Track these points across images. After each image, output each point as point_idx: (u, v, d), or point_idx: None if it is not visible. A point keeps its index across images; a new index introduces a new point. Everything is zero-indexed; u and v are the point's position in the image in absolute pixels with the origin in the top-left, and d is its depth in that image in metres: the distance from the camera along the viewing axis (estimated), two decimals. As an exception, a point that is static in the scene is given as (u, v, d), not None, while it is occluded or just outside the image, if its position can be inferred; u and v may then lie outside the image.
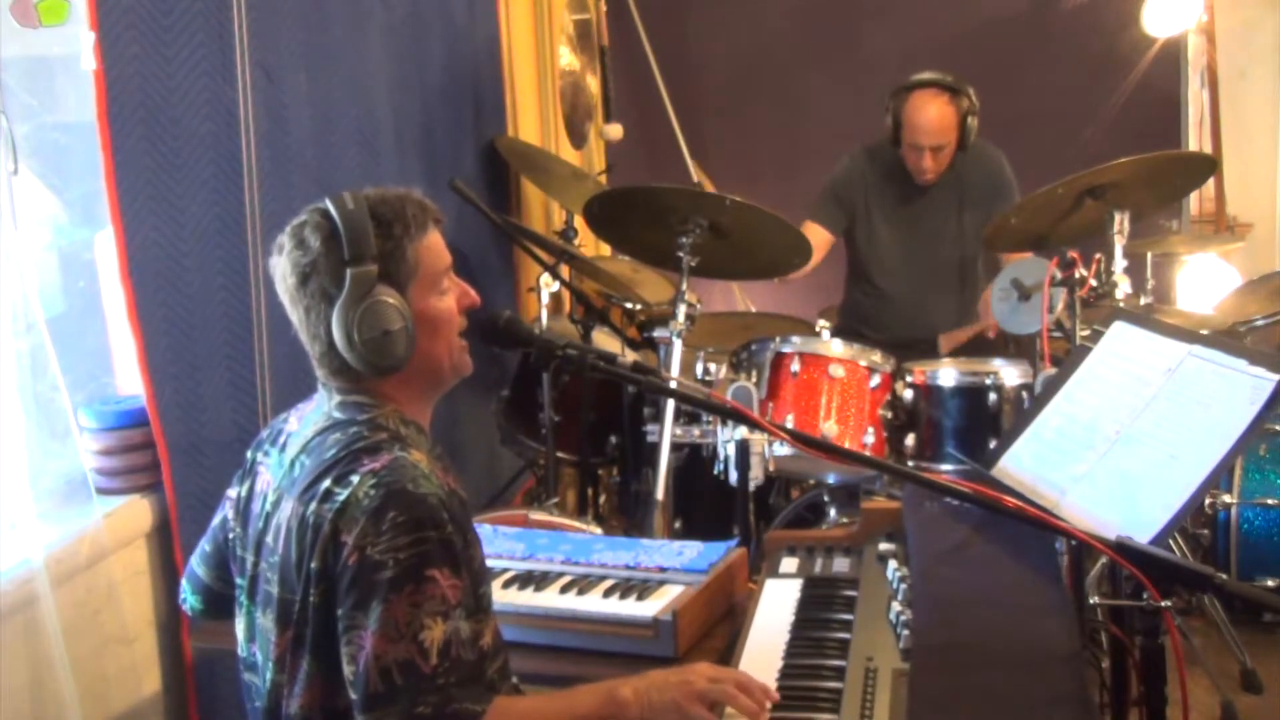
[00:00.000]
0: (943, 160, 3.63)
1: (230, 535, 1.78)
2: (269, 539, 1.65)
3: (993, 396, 3.03)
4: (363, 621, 1.49)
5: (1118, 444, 1.89)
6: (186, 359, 2.33)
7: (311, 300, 1.61)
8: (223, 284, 2.40)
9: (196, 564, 1.88)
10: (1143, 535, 1.70)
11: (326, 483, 1.56)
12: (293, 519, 1.59)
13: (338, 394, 1.67)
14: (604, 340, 3.56)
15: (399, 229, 1.63)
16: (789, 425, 3.00)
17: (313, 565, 1.54)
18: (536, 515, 2.67)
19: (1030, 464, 2.02)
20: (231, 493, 1.81)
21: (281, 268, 1.64)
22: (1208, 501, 3.20)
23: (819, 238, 3.72)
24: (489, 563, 2.13)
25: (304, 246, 1.61)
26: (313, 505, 1.56)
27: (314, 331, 1.63)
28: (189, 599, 1.90)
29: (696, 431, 3.09)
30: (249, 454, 1.79)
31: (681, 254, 3.02)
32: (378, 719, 1.47)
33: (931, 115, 3.56)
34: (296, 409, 1.78)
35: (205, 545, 1.87)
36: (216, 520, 1.85)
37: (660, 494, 2.88)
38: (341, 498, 1.54)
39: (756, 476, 2.98)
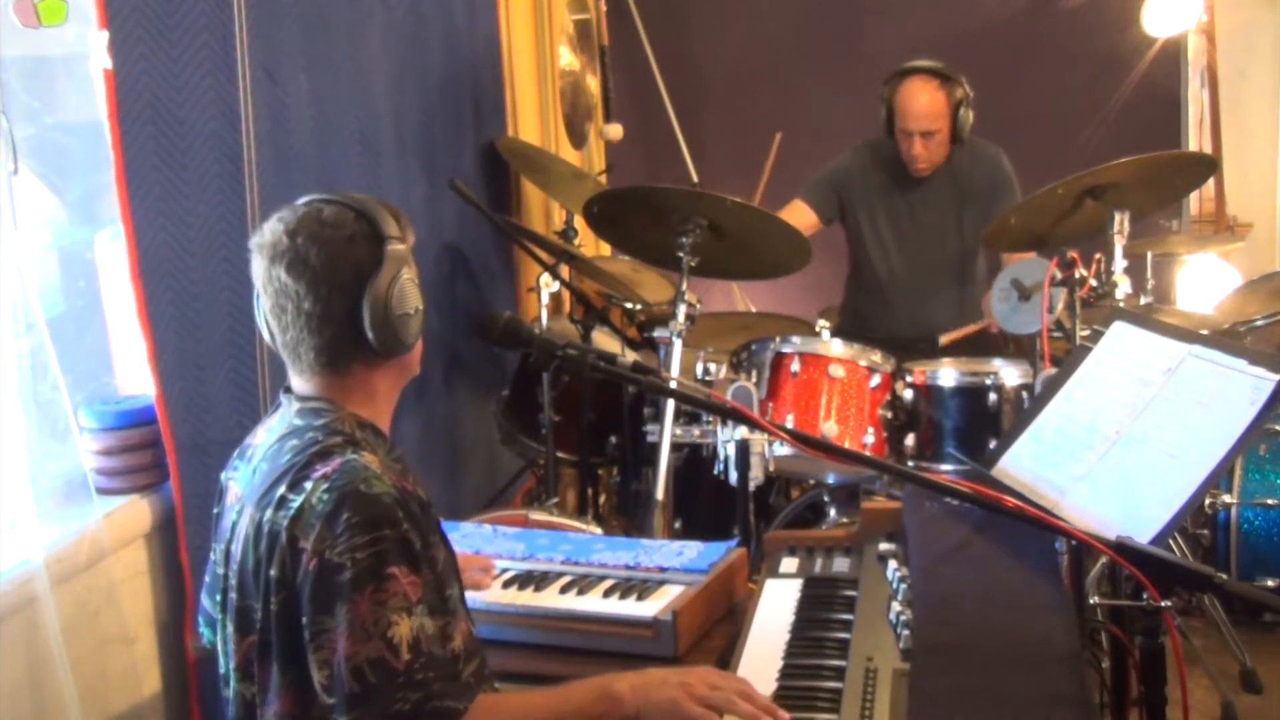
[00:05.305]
0: (935, 149, 3.64)
1: (214, 556, 1.78)
2: (234, 548, 1.65)
3: (993, 396, 3.03)
4: (330, 625, 1.49)
5: (1118, 444, 1.89)
6: (193, 359, 2.33)
7: (340, 276, 1.60)
8: (226, 284, 2.40)
9: (203, 596, 1.88)
10: (1143, 535, 1.70)
11: (281, 489, 1.57)
12: (250, 526, 1.59)
13: (297, 401, 1.68)
14: (604, 340, 3.56)
15: (404, 221, 1.68)
16: (789, 425, 3.00)
17: (271, 573, 1.55)
18: (536, 515, 2.67)
19: (1030, 464, 2.02)
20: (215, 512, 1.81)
21: (301, 251, 1.60)
22: (1208, 501, 3.20)
23: (805, 218, 3.74)
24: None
25: (336, 225, 1.61)
26: (268, 512, 1.56)
27: (326, 312, 1.61)
28: (204, 632, 1.89)
29: (696, 431, 3.09)
30: (222, 475, 1.79)
31: (681, 254, 3.02)
32: (357, 719, 1.47)
33: (922, 101, 3.57)
34: (263, 422, 1.77)
35: (207, 576, 1.87)
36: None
37: (660, 494, 2.88)
38: (296, 504, 1.54)
39: (756, 476, 2.98)
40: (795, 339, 3.16)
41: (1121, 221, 2.97)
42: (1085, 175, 2.94)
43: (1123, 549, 1.61)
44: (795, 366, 3.09)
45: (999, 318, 2.96)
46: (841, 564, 2.07)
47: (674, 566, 2.09)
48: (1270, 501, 3.20)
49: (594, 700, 1.56)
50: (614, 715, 1.55)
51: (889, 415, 3.11)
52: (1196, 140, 4.83)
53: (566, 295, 3.87)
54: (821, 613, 1.89)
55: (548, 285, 3.41)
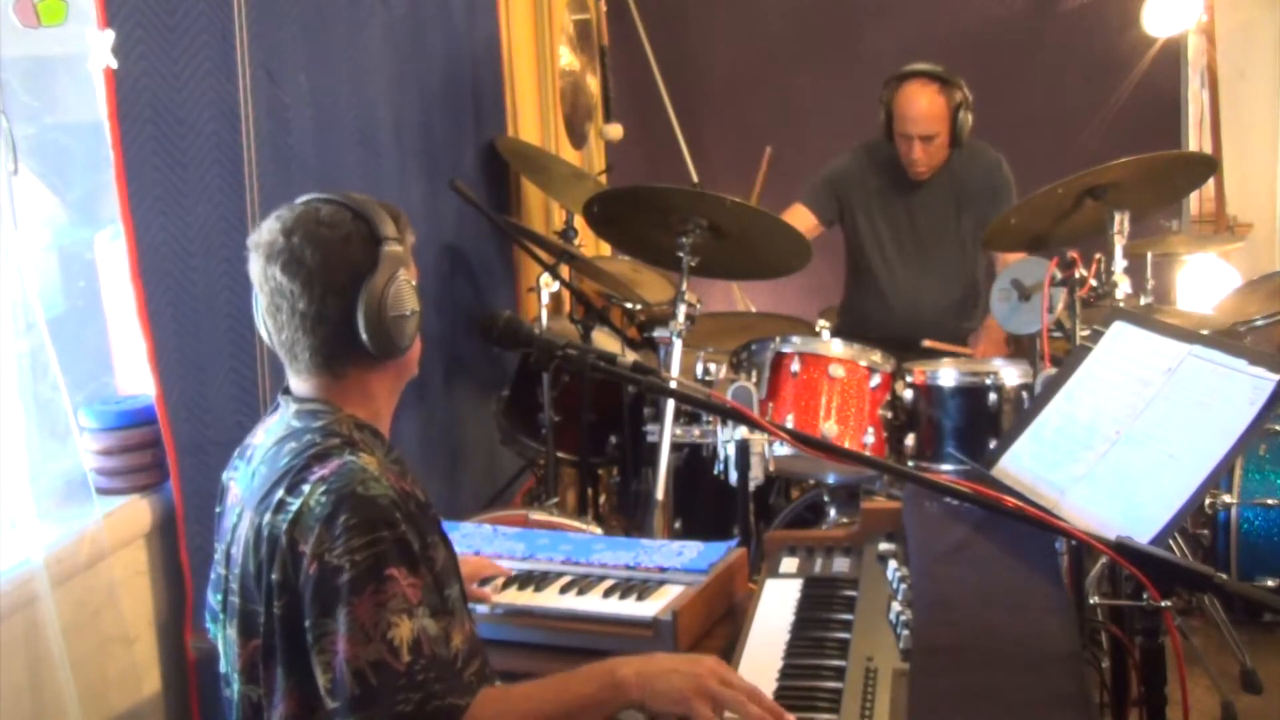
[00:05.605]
0: (934, 153, 3.64)
1: (216, 555, 1.78)
2: (234, 550, 1.65)
3: (993, 396, 3.03)
4: (332, 628, 1.49)
5: (1118, 444, 1.89)
6: (193, 359, 2.33)
7: (335, 276, 1.60)
8: (226, 284, 2.40)
9: (209, 593, 1.88)
10: (1143, 535, 1.70)
11: (280, 493, 1.57)
12: (250, 530, 1.59)
13: (295, 403, 1.67)
14: (604, 340, 3.56)
15: (403, 222, 1.68)
16: (789, 425, 3.00)
17: (273, 577, 1.54)
18: (536, 515, 2.67)
19: (1030, 464, 2.02)
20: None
21: (295, 251, 1.60)
22: (1208, 501, 3.20)
23: (805, 221, 3.74)
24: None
25: (333, 224, 1.62)
26: (268, 516, 1.56)
27: (321, 312, 1.61)
28: (210, 628, 1.90)
29: (696, 431, 3.09)
30: (224, 475, 1.79)
31: (681, 254, 3.02)
32: None
33: (922, 105, 3.57)
34: (263, 422, 1.77)
35: (211, 574, 1.87)
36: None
37: (660, 494, 2.88)
38: (294, 508, 1.54)
39: (756, 476, 2.98)
40: (795, 339, 3.16)
41: (1121, 221, 2.96)
42: (1085, 175, 2.94)
43: (1123, 549, 1.61)
44: (795, 366, 3.09)
45: (999, 318, 2.96)
46: (841, 564, 2.07)
47: (674, 566, 2.09)
48: (1270, 501, 3.20)
49: (598, 687, 1.54)
50: (618, 701, 1.54)
51: (889, 415, 3.11)
52: (1196, 140, 4.82)
53: (566, 295, 3.87)
54: (821, 613, 1.89)
55: (548, 285, 3.41)
